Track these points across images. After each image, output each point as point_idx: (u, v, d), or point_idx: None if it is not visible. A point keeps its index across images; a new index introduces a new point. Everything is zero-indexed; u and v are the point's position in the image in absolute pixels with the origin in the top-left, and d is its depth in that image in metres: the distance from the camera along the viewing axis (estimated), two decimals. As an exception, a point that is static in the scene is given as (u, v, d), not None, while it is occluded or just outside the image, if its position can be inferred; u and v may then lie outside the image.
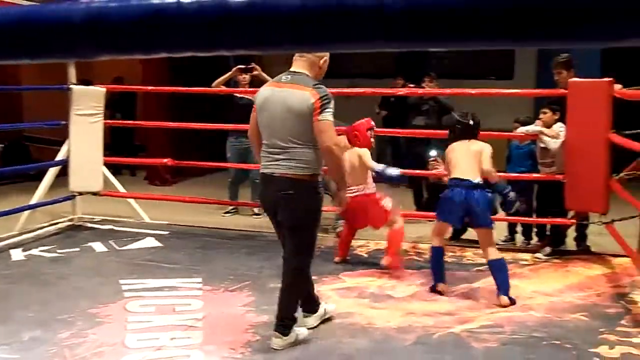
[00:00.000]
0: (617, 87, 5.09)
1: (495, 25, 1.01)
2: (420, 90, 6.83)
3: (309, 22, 1.02)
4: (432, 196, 6.34)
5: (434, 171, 5.86)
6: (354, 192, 4.77)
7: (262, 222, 6.70)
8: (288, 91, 3.38)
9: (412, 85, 7.01)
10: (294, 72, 3.46)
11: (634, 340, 3.70)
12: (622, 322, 3.97)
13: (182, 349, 3.53)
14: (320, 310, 3.88)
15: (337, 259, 5.23)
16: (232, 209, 7.26)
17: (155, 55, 1.10)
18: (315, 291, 3.89)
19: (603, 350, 3.55)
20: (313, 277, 4.73)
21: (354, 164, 4.88)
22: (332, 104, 3.33)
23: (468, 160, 4.39)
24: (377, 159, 8.86)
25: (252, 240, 5.92)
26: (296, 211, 3.42)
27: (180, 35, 1.01)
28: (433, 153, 6.02)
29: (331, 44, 1.14)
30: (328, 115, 3.30)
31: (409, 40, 1.06)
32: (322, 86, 3.38)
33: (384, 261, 4.97)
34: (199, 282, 4.65)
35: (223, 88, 6.74)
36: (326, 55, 3.53)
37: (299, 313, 3.70)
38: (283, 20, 1.01)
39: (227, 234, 6.15)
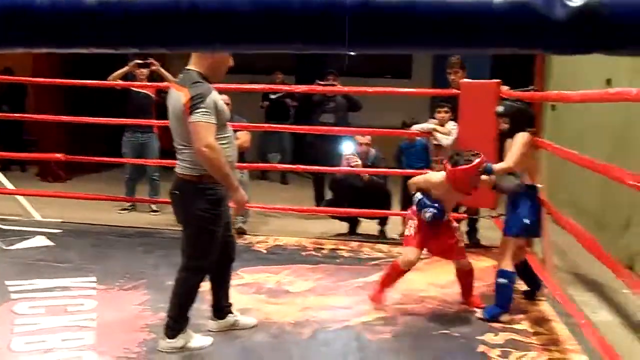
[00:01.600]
0: (505, 88, 5.36)
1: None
2: (319, 88, 6.92)
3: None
4: (337, 194, 6.44)
5: (351, 167, 5.97)
6: None
7: (159, 219, 6.60)
8: (173, 92, 3.35)
9: (322, 83, 7.07)
10: (186, 70, 3.38)
11: (517, 326, 3.93)
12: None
13: (74, 351, 3.42)
14: (229, 320, 3.76)
15: (375, 304, 4.22)
16: (129, 206, 7.08)
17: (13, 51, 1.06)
18: (228, 299, 3.77)
19: (488, 337, 3.74)
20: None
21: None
22: (205, 103, 3.18)
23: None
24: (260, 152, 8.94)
25: (149, 238, 5.80)
26: (185, 211, 3.38)
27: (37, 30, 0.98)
28: (350, 149, 6.13)
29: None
30: (199, 116, 3.16)
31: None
32: (200, 84, 3.25)
33: (478, 314, 4.08)
34: (93, 282, 4.51)
35: (120, 82, 6.56)
36: None
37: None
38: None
39: (123, 232, 6.00)
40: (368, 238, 6.13)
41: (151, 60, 6.65)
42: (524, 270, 4.35)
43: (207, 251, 3.42)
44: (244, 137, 6.43)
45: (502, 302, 4.03)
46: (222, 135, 3.32)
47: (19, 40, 0.99)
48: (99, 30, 1.01)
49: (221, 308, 3.75)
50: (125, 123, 6.67)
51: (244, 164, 6.50)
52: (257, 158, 8.79)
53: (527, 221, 4.02)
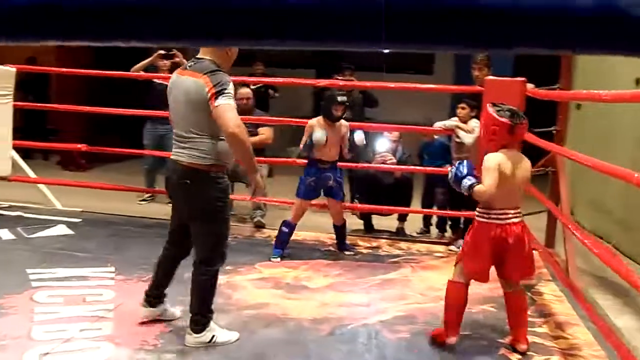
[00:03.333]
0: (530, 86, 5.28)
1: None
2: (341, 82, 6.86)
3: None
4: (359, 190, 6.41)
5: (386, 164, 5.93)
6: (508, 218, 3.41)
7: (179, 211, 6.60)
8: (187, 80, 3.29)
9: (340, 78, 7.02)
10: (199, 58, 3.34)
11: (538, 329, 3.87)
12: (528, 312, 4.13)
13: (92, 341, 3.43)
14: (160, 307, 3.70)
15: (448, 340, 3.57)
16: (149, 197, 7.10)
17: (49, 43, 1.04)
18: (166, 288, 3.69)
19: (510, 339, 3.68)
20: (228, 267, 4.73)
21: (515, 175, 3.40)
22: (229, 89, 3.20)
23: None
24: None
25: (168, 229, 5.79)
26: (195, 202, 3.35)
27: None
28: (384, 147, 6.08)
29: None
30: (225, 100, 3.17)
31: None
32: (218, 72, 3.25)
33: (520, 348, 3.57)
34: (112, 272, 4.53)
35: (142, 73, 6.57)
36: None
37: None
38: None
39: (142, 222, 6.01)
40: (387, 235, 6.10)
41: (175, 51, 6.65)
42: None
43: (222, 241, 3.44)
44: (267, 133, 6.41)
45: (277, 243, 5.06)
46: None
47: (52, 33, 0.97)
48: (137, 22, 0.98)
49: (158, 296, 3.69)
50: (146, 114, 6.67)
51: (264, 159, 6.48)
52: (277, 152, 8.75)
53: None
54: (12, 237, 5.33)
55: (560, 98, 5.37)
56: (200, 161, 3.29)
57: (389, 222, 6.28)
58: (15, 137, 6.46)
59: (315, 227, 5.96)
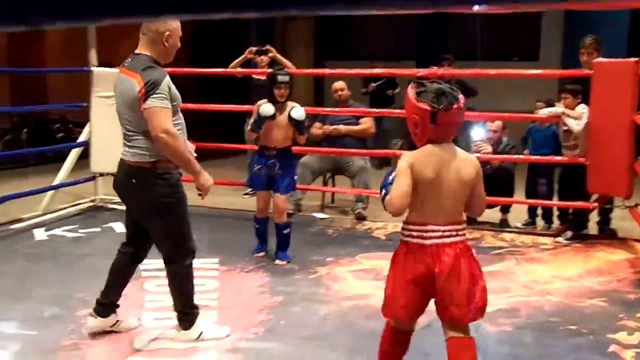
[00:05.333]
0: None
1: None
2: (439, 72, 6.73)
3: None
4: None
5: (479, 154, 5.80)
6: (436, 237, 2.54)
7: (281, 204, 6.72)
8: (123, 78, 3.18)
9: (436, 69, 6.91)
10: (136, 54, 3.21)
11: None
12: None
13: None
14: (111, 319, 3.47)
15: None
16: (252, 191, 7.26)
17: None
18: (119, 297, 3.51)
19: (621, 336, 3.49)
20: (329, 259, 4.77)
21: (444, 178, 2.54)
22: (160, 88, 3.04)
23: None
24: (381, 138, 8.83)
25: (271, 222, 5.91)
26: (142, 200, 3.24)
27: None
28: (479, 135, 5.95)
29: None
30: (155, 101, 3.02)
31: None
32: (153, 68, 3.10)
33: None
34: (216, 263, 4.68)
35: (239, 70, 6.75)
36: (170, 29, 3.17)
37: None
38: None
39: (246, 215, 6.13)
40: (489, 226, 5.94)
41: (268, 47, 6.80)
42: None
43: (182, 235, 3.31)
44: (368, 123, 6.42)
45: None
46: (175, 121, 3.18)
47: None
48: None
49: (110, 305, 3.47)
50: (247, 110, 6.84)
51: (365, 150, 6.48)
52: (378, 144, 8.75)
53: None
54: (124, 230, 5.60)
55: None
56: (143, 159, 3.17)
57: (491, 214, 6.11)
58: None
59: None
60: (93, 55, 6.47)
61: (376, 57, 9.25)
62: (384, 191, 2.58)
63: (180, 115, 3.31)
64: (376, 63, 8.73)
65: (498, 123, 5.95)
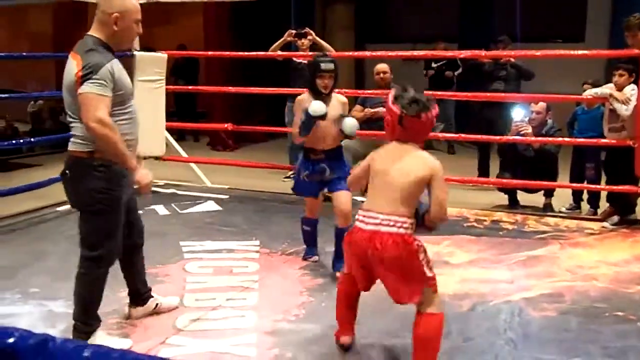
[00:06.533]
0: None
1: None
2: (484, 53, 6.60)
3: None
4: (505, 162, 6.15)
5: (520, 135, 5.69)
6: (374, 224, 2.73)
7: (321, 188, 6.72)
8: (69, 60, 2.95)
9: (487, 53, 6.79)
10: (86, 35, 2.99)
11: None
12: None
13: (237, 310, 3.59)
14: (150, 305, 3.46)
15: (341, 339, 3.15)
16: (292, 174, 7.28)
17: None
18: (145, 285, 3.46)
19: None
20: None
21: (390, 173, 2.77)
22: (99, 73, 2.81)
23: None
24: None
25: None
26: (76, 192, 3.00)
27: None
28: (519, 116, 5.82)
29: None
30: (90, 87, 2.79)
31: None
32: (95, 51, 2.88)
33: None
34: (257, 245, 4.71)
35: (279, 52, 6.74)
36: (119, 11, 2.94)
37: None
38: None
39: (286, 199, 6.18)
40: (533, 210, 5.84)
41: (307, 29, 6.77)
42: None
43: (106, 238, 3.01)
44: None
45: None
46: (121, 111, 2.95)
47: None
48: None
49: (139, 294, 3.44)
50: (288, 92, 6.84)
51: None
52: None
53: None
54: (167, 212, 5.69)
55: None
56: (79, 148, 2.95)
57: (534, 198, 6.01)
58: (168, 120, 6.86)
59: (458, 203, 5.81)
60: (135, 40, 6.52)
61: (418, 40, 9.13)
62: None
63: (131, 105, 3.05)
64: (418, 45, 8.68)
65: (542, 104, 5.81)
